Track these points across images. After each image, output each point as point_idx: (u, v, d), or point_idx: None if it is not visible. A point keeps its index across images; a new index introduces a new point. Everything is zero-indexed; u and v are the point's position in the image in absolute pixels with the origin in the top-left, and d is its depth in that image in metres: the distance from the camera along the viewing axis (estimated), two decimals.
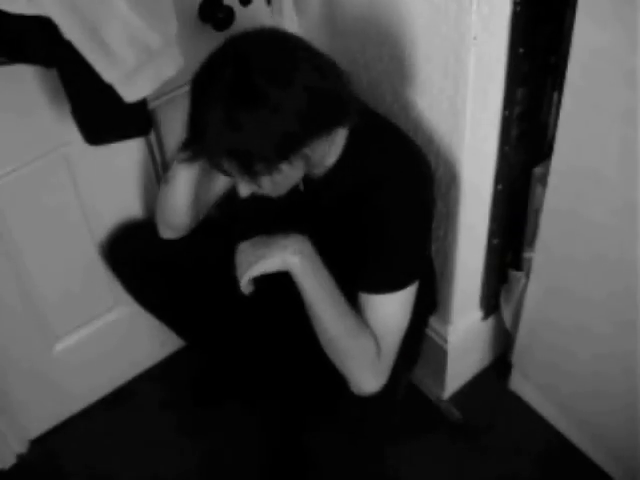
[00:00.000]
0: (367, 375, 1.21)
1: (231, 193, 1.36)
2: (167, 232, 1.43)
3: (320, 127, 1.08)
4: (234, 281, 1.20)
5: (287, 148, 1.06)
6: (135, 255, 1.51)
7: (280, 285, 1.23)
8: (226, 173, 1.12)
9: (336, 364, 1.22)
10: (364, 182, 1.16)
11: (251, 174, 1.07)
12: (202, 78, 1.07)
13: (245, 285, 1.18)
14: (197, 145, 1.09)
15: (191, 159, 1.14)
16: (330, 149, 1.17)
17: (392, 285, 1.17)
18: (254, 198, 1.19)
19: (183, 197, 1.33)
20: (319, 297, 1.17)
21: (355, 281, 1.19)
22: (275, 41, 1.07)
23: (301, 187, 1.24)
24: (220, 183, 1.39)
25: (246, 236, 1.22)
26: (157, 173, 1.60)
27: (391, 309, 1.19)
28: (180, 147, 1.11)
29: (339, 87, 1.09)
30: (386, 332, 1.20)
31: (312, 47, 1.10)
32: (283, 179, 1.12)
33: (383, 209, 1.15)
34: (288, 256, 1.14)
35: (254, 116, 1.01)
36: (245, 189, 1.15)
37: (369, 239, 1.16)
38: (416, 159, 1.21)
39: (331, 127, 1.11)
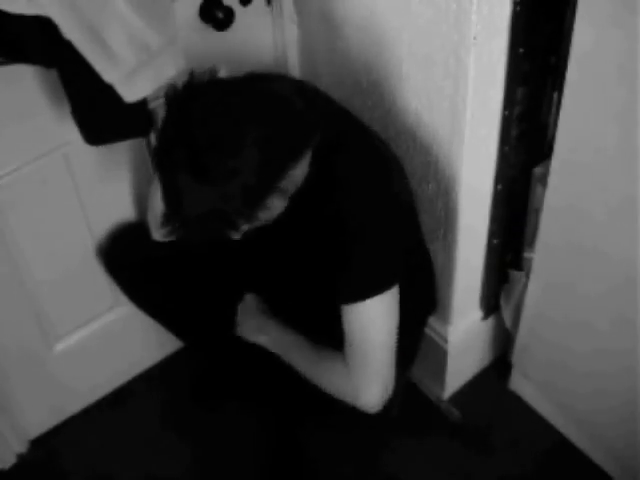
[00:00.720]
0: (361, 393, 1.22)
1: None
2: (158, 234, 1.42)
3: (282, 167, 1.07)
4: (227, 281, 1.28)
5: (256, 199, 1.06)
6: (130, 256, 1.51)
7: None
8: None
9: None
10: (331, 191, 1.16)
11: (235, 228, 1.09)
12: (161, 156, 1.07)
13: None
14: (177, 217, 1.09)
15: (174, 234, 1.13)
16: (303, 169, 1.16)
17: (366, 291, 1.16)
18: None
19: None
20: (281, 351, 1.33)
21: (334, 297, 1.19)
22: (217, 104, 1.04)
23: None
24: None
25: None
26: None
27: (372, 315, 1.18)
28: (161, 222, 1.12)
29: (294, 120, 1.08)
30: (370, 345, 1.19)
31: (259, 89, 1.09)
32: (267, 217, 1.13)
33: (348, 215, 1.15)
34: (244, 331, 1.39)
35: (215, 187, 1.02)
36: (236, 235, 1.15)
37: (338, 250, 1.16)
38: (383, 162, 1.20)
39: (296, 157, 1.09)
